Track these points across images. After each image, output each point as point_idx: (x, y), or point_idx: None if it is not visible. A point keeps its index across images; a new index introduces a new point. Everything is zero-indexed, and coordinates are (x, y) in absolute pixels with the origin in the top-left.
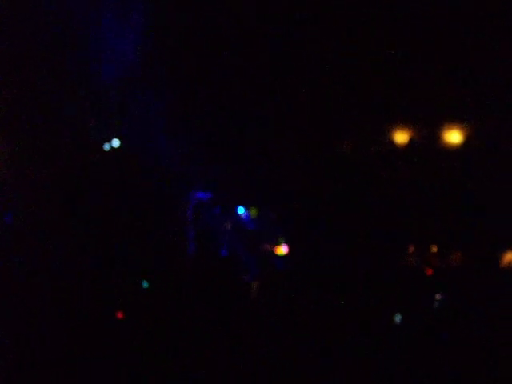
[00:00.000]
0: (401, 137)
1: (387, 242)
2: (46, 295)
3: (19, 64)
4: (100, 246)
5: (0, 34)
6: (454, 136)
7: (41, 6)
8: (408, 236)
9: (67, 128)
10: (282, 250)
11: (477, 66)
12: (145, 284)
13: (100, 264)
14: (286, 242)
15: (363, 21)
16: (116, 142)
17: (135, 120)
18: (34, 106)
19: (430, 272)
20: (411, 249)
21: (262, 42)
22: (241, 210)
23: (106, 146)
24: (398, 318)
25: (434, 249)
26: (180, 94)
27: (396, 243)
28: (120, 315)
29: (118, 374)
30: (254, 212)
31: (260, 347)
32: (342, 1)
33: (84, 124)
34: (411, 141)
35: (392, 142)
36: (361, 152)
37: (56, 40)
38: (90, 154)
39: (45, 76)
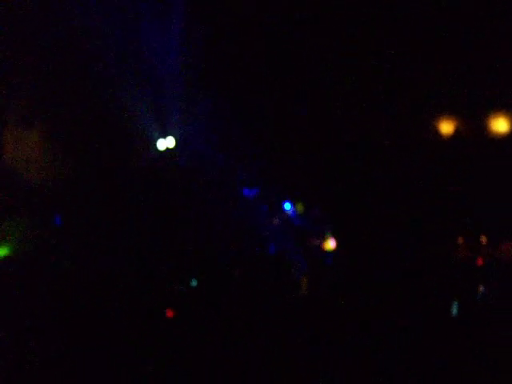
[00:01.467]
0: (446, 127)
1: (437, 234)
2: (101, 293)
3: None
4: (148, 245)
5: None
6: (502, 125)
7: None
8: (458, 227)
9: (120, 128)
10: (330, 245)
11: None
12: (194, 282)
13: (150, 263)
14: (333, 237)
15: (368, 18)
16: (171, 142)
17: (187, 119)
18: (86, 105)
19: (480, 262)
20: (461, 240)
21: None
22: (287, 206)
23: (161, 146)
24: (454, 310)
25: (484, 239)
26: (229, 94)
27: (447, 235)
28: (170, 313)
29: (172, 368)
30: (300, 208)
31: (309, 341)
32: None
33: (138, 123)
34: (460, 131)
35: (437, 134)
36: (407, 145)
37: (113, 38)
38: (143, 154)
39: (101, 75)
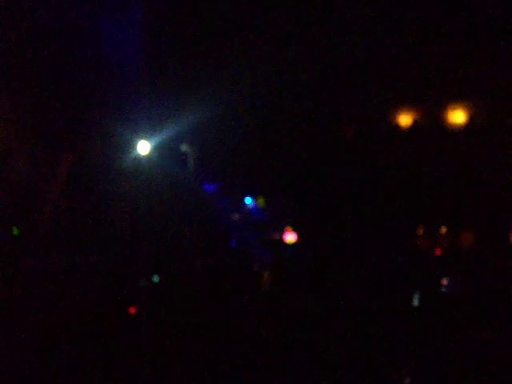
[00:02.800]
0: (405, 119)
1: (396, 223)
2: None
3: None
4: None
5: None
6: (459, 117)
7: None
8: (418, 218)
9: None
10: (291, 238)
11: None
12: (155, 278)
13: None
14: (294, 230)
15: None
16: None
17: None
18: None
19: (438, 253)
20: (421, 231)
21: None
22: (248, 201)
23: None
24: (414, 301)
25: (444, 230)
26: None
27: (406, 225)
28: (132, 310)
29: (132, 366)
30: (261, 201)
31: (273, 336)
32: None
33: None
34: (416, 122)
35: (395, 125)
36: (365, 135)
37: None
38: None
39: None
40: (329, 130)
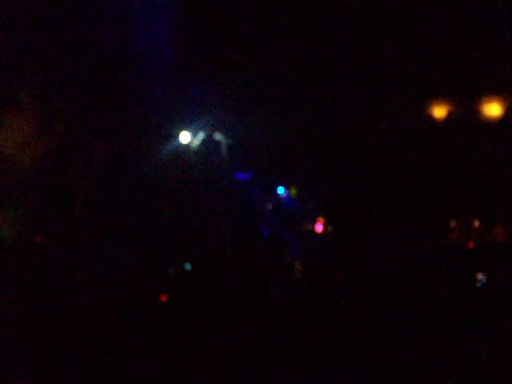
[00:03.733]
0: (438, 112)
1: (429, 218)
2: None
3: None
4: (144, 229)
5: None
6: (492, 111)
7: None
8: (450, 212)
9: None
10: (322, 228)
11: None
12: (188, 266)
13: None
14: (325, 221)
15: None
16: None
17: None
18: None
19: (471, 245)
20: (453, 224)
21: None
22: (281, 190)
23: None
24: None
25: (476, 224)
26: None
27: (438, 219)
28: (164, 298)
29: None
30: (293, 192)
31: (304, 325)
32: None
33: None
34: (454, 116)
35: (427, 119)
36: (394, 132)
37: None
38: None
39: None
40: (361, 124)
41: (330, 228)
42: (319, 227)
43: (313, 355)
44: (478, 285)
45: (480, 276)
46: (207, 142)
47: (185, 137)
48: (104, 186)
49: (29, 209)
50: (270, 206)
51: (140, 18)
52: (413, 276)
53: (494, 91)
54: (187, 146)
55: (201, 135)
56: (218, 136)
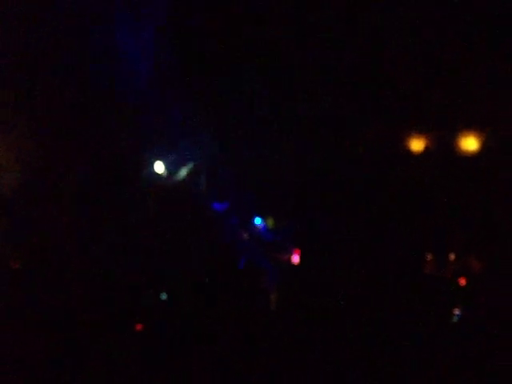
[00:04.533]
0: (417, 143)
1: (404, 249)
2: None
3: None
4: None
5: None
6: (471, 143)
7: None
8: (426, 244)
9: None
10: (296, 259)
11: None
12: (163, 296)
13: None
14: (299, 250)
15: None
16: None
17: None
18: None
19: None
20: (429, 257)
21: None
22: (258, 221)
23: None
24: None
25: (452, 257)
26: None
27: (414, 251)
28: (139, 327)
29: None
30: (270, 222)
31: (278, 355)
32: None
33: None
34: (429, 147)
35: (410, 147)
36: (376, 157)
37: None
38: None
39: None
40: (339, 150)
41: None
42: (296, 258)
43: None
44: (455, 320)
45: (456, 311)
46: (184, 172)
47: (159, 166)
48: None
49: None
50: (246, 236)
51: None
52: (389, 311)
53: (471, 124)
54: (162, 175)
55: (178, 165)
56: (195, 166)
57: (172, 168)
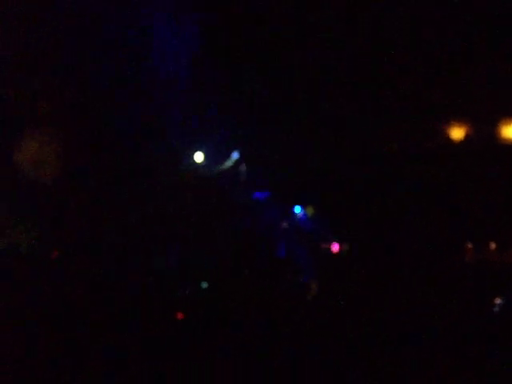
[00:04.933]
0: (457, 133)
1: (445, 238)
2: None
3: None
4: (160, 247)
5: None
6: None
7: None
8: (466, 233)
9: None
10: (336, 248)
11: None
12: (204, 285)
13: (162, 265)
14: (339, 241)
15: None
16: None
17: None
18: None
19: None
20: (469, 245)
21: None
22: (298, 209)
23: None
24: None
25: (493, 245)
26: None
27: (454, 240)
28: (180, 315)
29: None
30: (310, 211)
31: (318, 344)
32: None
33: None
34: (469, 137)
35: (446, 141)
36: (415, 151)
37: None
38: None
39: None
40: (376, 144)
41: (346, 247)
42: (336, 247)
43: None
44: (496, 309)
45: (498, 300)
46: (224, 162)
47: (199, 157)
48: (119, 203)
49: (45, 224)
50: (286, 226)
51: (158, 34)
52: (427, 297)
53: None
54: (203, 165)
55: (219, 155)
56: (235, 155)
57: (212, 158)
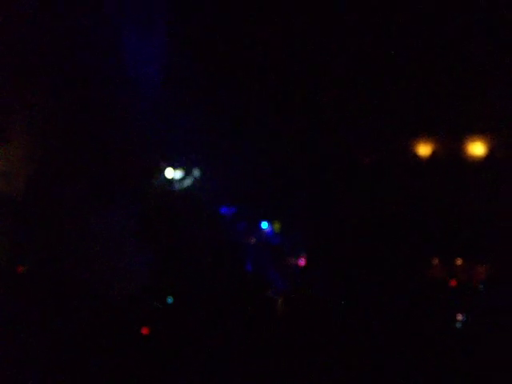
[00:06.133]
0: (424, 148)
1: (411, 253)
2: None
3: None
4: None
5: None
6: (478, 148)
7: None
8: (432, 248)
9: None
10: (303, 262)
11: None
12: (169, 300)
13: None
14: (306, 255)
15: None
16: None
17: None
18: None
19: (453, 284)
20: (435, 261)
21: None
22: (265, 225)
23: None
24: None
25: (459, 262)
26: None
27: (420, 255)
28: (145, 331)
29: None
30: (277, 226)
31: (285, 363)
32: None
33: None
34: (435, 152)
35: (415, 153)
36: (383, 162)
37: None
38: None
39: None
40: (347, 157)
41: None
42: (303, 262)
43: None
44: (458, 325)
45: (460, 317)
46: (191, 177)
47: (169, 172)
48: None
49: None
50: (253, 241)
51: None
52: (392, 314)
53: (479, 129)
54: (171, 180)
55: (184, 170)
56: (199, 171)
57: (181, 173)
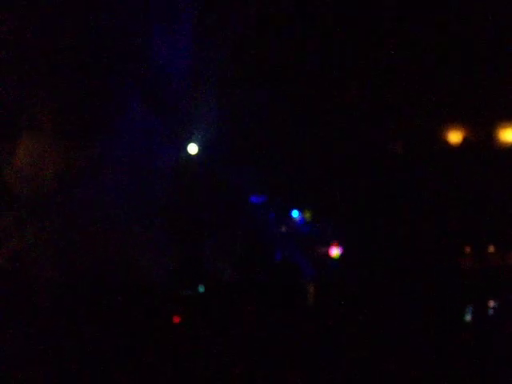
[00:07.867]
0: (456, 136)
1: (444, 242)
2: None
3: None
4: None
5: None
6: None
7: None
8: (465, 236)
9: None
10: (337, 252)
11: None
12: (201, 289)
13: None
14: (339, 244)
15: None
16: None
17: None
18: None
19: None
20: (468, 249)
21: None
22: (295, 214)
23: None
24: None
25: (492, 249)
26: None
27: (453, 244)
28: (177, 319)
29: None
30: (308, 215)
31: (317, 348)
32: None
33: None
34: (469, 140)
35: (448, 141)
36: (415, 152)
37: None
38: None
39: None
40: (377, 145)
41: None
42: (333, 251)
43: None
44: (490, 312)
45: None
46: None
47: (193, 148)
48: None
49: None
50: (284, 230)
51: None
52: (424, 301)
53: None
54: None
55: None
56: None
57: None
